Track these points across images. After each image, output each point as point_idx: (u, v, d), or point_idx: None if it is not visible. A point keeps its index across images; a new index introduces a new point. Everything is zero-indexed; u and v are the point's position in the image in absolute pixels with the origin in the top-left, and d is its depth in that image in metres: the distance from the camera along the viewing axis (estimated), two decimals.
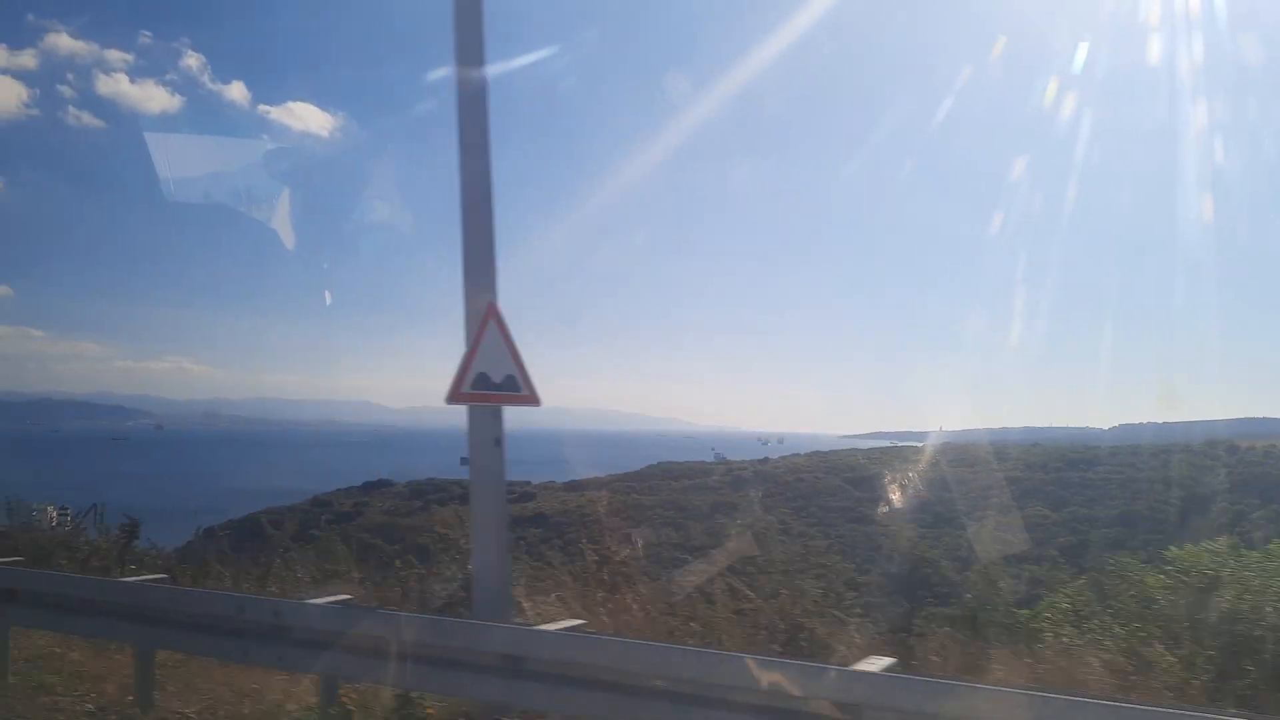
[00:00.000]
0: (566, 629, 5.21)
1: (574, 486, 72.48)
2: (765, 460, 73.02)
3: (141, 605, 6.89)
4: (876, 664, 4.09)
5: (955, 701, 3.65)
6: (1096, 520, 56.49)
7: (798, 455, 77.88)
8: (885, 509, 59.92)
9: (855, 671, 3.97)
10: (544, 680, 4.88)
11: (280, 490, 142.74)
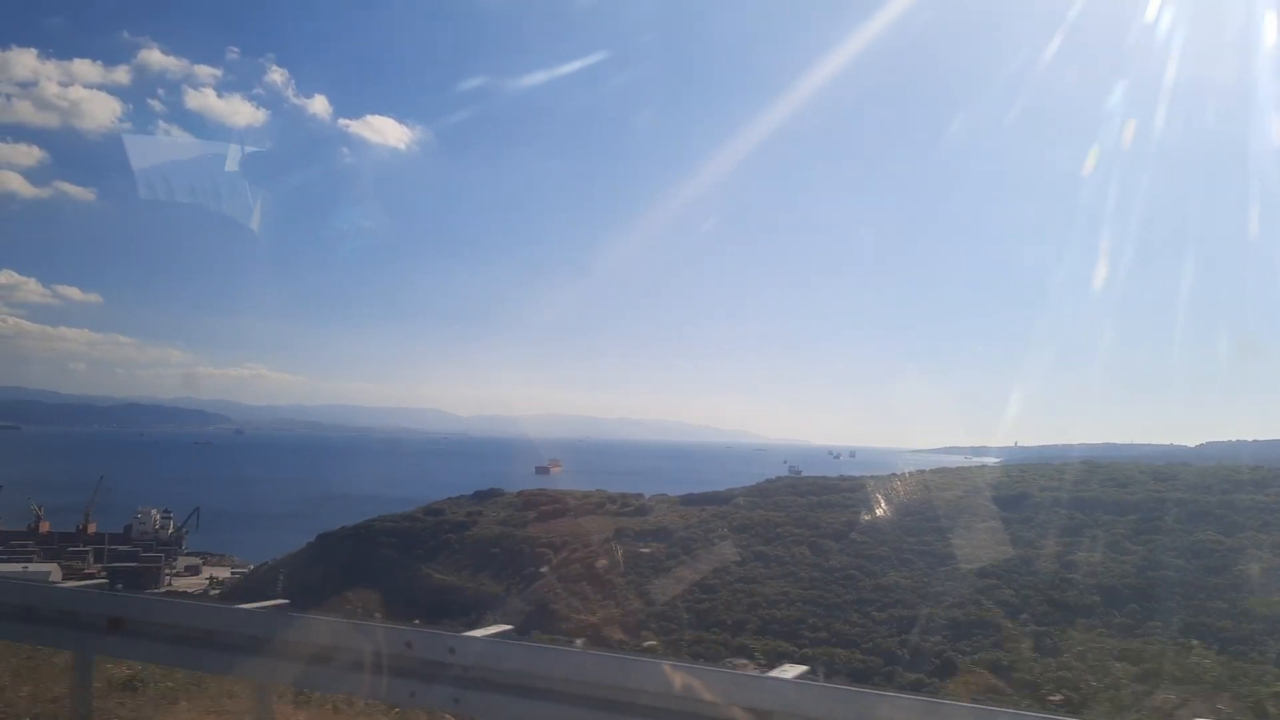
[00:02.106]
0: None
1: (690, 500, 69.78)
2: (893, 475, 69.34)
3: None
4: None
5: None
6: (1278, 546, 51.87)
7: (923, 471, 74.02)
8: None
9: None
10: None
11: (373, 497, 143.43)
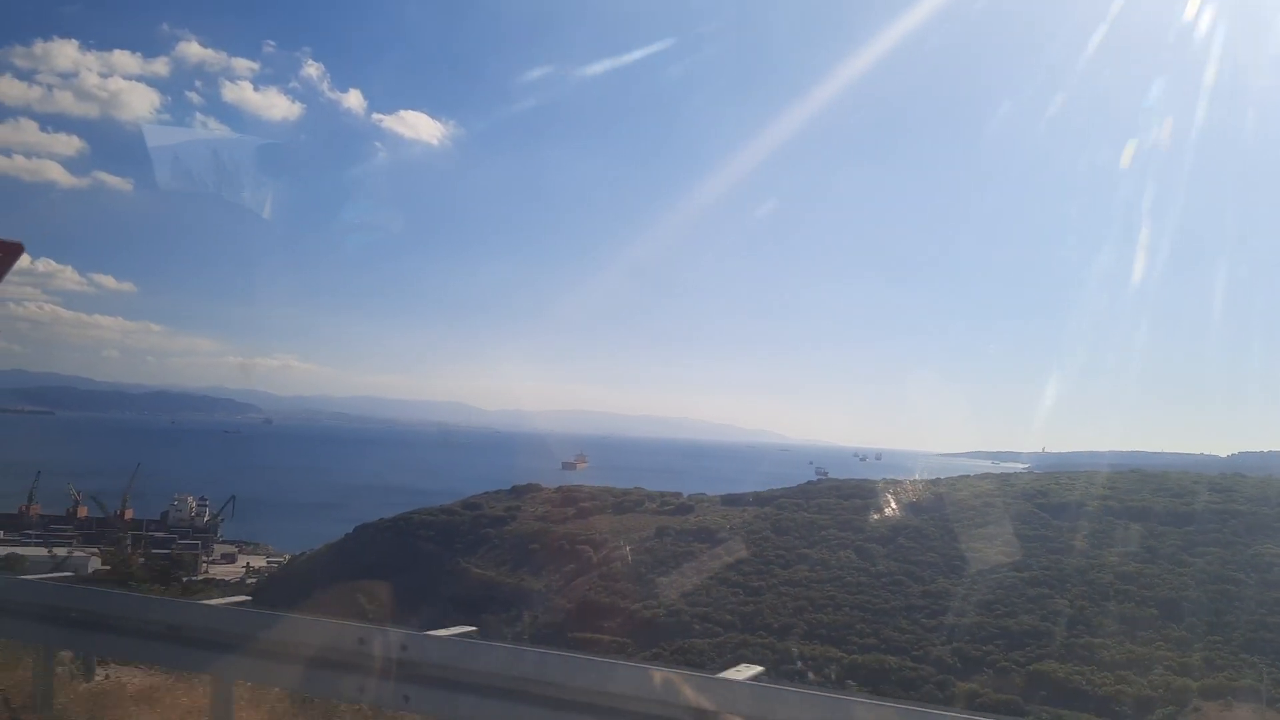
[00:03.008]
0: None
1: (732, 500, 69.11)
2: (938, 480, 68.32)
3: None
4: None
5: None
6: None
7: (968, 476, 73.05)
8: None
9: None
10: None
11: (402, 488, 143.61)
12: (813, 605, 50.93)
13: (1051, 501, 60.25)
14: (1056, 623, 47.75)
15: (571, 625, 52.58)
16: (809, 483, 73.23)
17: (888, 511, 60.72)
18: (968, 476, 72.77)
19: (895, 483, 69.22)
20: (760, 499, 67.22)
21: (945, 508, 61.34)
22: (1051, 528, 56.36)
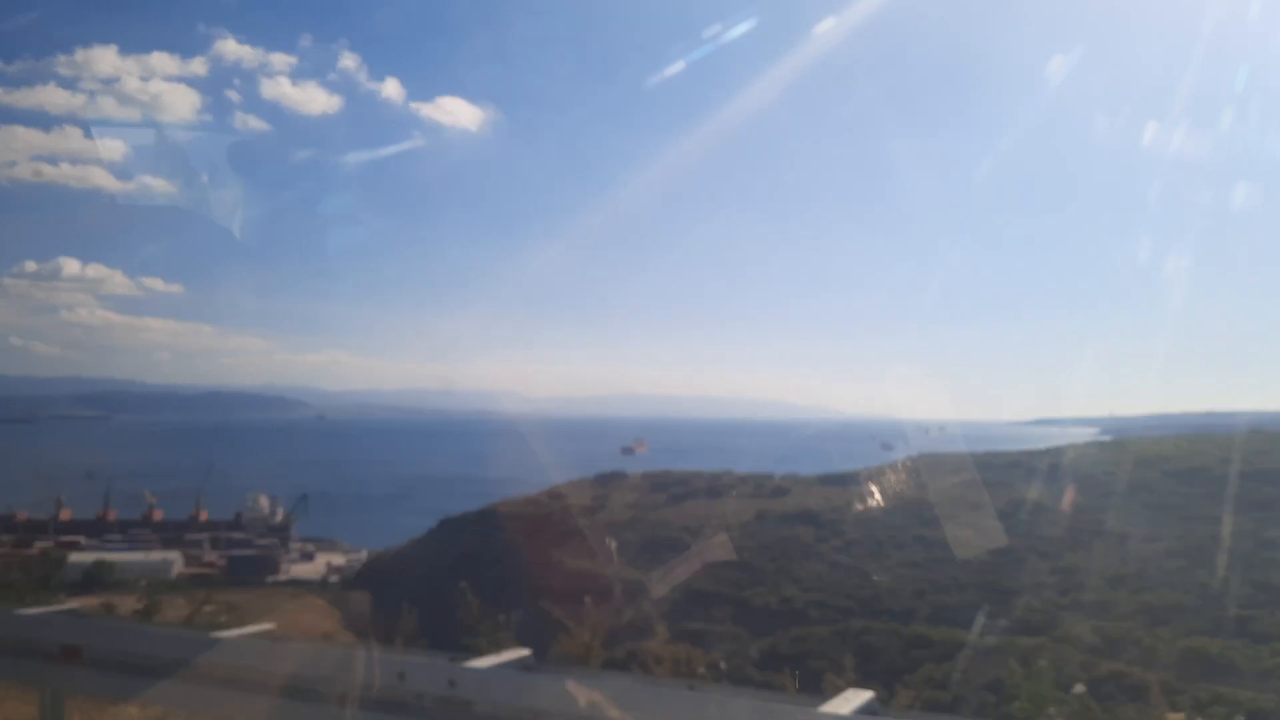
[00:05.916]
0: None
1: (829, 481, 66.70)
2: (1049, 451, 65.33)
3: None
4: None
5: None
6: None
7: (1074, 445, 69.90)
8: None
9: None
10: None
11: (466, 478, 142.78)
12: (934, 587, 48.53)
13: (1176, 467, 57.08)
14: (1201, 595, 44.84)
15: (679, 616, 50.70)
16: (909, 459, 70.56)
17: (996, 486, 57.95)
18: (1075, 446, 69.59)
19: (995, 455, 66.40)
20: (858, 478, 64.73)
21: (1057, 479, 58.59)
22: (1179, 494, 53.29)
